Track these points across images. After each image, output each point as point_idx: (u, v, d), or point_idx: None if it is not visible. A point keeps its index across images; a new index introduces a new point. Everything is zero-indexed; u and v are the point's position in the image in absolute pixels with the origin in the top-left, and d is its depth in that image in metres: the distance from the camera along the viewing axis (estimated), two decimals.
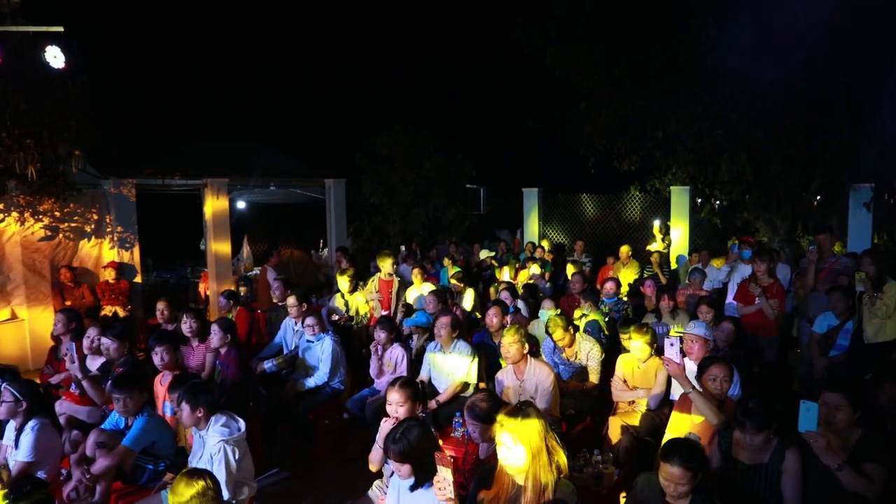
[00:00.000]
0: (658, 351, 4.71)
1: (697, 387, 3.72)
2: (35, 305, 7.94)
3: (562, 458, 2.68)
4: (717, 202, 11.84)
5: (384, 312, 6.92)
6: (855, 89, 9.23)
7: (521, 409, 2.66)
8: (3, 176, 7.29)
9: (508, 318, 5.66)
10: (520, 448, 2.56)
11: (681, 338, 4.36)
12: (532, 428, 2.58)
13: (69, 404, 4.79)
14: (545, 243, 11.48)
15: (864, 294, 5.59)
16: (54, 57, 6.29)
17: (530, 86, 12.78)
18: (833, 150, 9.69)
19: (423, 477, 2.76)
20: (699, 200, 11.53)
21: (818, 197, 11.04)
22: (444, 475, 2.49)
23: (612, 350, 5.60)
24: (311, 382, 5.34)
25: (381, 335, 5.28)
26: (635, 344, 4.52)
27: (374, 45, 23.22)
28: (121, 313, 8.12)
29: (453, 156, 12.59)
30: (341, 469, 5.09)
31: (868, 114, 9.18)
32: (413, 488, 2.79)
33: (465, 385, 5.01)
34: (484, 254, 10.80)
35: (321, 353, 5.36)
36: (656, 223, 11.60)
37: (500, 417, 2.66)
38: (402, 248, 11.02)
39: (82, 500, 3.79)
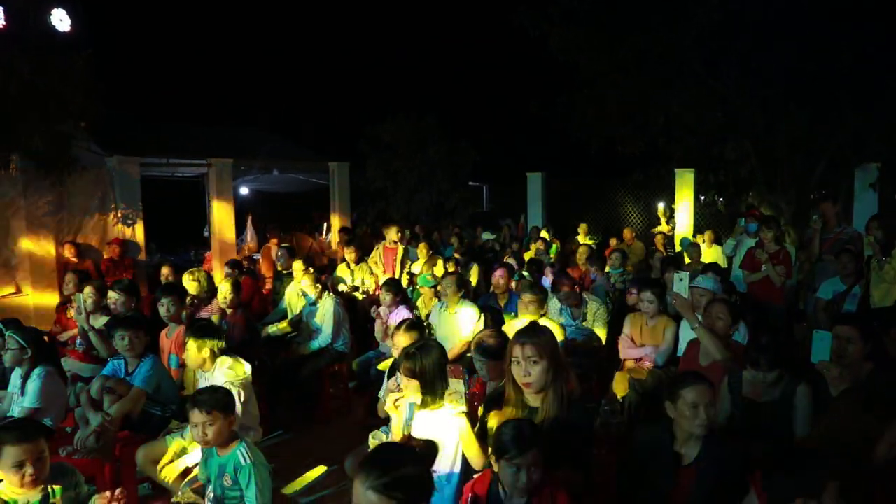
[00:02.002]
0: (664, 308, 4.70)
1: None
2: (39, 280, 7.93)
3: (573, 378, 2.67)
4: (721, 197, 11.82)
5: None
6: (860, 70, 9.19)
7: (537, 326, 2.65)
8: (8, 149, 7.29)
9: (514, 284, 5.65)
10: (544, 362, 2.54)
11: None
12: (553, 341, 2.59)
13: (73, 361, 4.78)
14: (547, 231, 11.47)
15: (873, 258, 5.56)
16: (60, 20, 6.28)
17: (534, 71, 12.78)
18: (838, 132, 9.67)
19: (429, 398, 2.74)
20: (703, 198, 11.51)
21: (823, 191, 11.01)
22: (457, 388, 2.45)
23: (617, 320, 5.55)
24: (314, 344, 5.33)
25: (386, 297, 5.26)
26: (645, 296, 4.50)
27: (376, 34, 23.28)
28: None
29: (457, 142, 12.60)
30: (345, 431, 5.08)
31: (874, 94, 9.15)
32: (419, 407, 2.76)
33: (471, 344, 4.98)
34: (486, 235, 10.80)
35: (323, 314, 5.35)
36: (660, 206, 11.59)
37: (519, 336, 2.64)
38: (407, 231, 11.01)
39: (87, 447, 3.76)
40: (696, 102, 10.19)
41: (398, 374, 2.85)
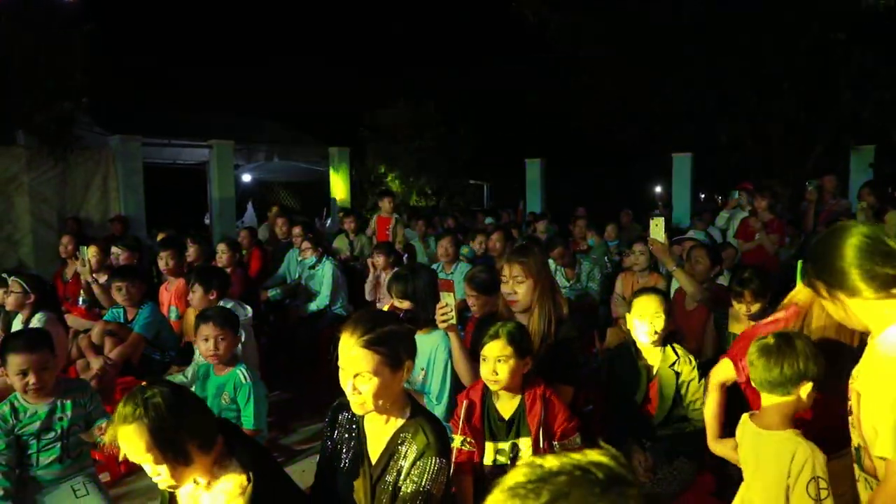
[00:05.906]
0: (654, 266, 4.78)
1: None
2: (43, 255, 8.02)
3: (563, 299, 2.74)
4: (721, 196, 11.88)
5: None
6: (855, 49, 9.27)
7: (528, 246, 2.72)
8: (12, 125, 7.39)
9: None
10: (529, 281, 2.60)
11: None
12: (539, 262, 2.64)
13: (75, 318, 4.83)
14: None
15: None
16: None
17: (533, 59, 12.88)
18: (833, 112, 9.73)
19: (421, 319, 2.80)
20: (703, 196, 11.57)
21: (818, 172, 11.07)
22: (447, 301, 2.48)
23: (612, 283, 5.62)
24: (312, 307, 5.40)
25: (379, 259, 5.27)
26: (637, 248, 4.59)
27: (376, 20, 23.42)
28: None
29: (455, 128, 12.69)
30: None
31: (868, 73, 9.23)
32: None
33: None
34: (487, 220, 10.85)
35: (322, 277, 5.42)
36: (658, 190, 11.65)
37: (509, 255, 2.72)
38: (404, 214, 11.07)
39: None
40: (692, 85, 10.29)
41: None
